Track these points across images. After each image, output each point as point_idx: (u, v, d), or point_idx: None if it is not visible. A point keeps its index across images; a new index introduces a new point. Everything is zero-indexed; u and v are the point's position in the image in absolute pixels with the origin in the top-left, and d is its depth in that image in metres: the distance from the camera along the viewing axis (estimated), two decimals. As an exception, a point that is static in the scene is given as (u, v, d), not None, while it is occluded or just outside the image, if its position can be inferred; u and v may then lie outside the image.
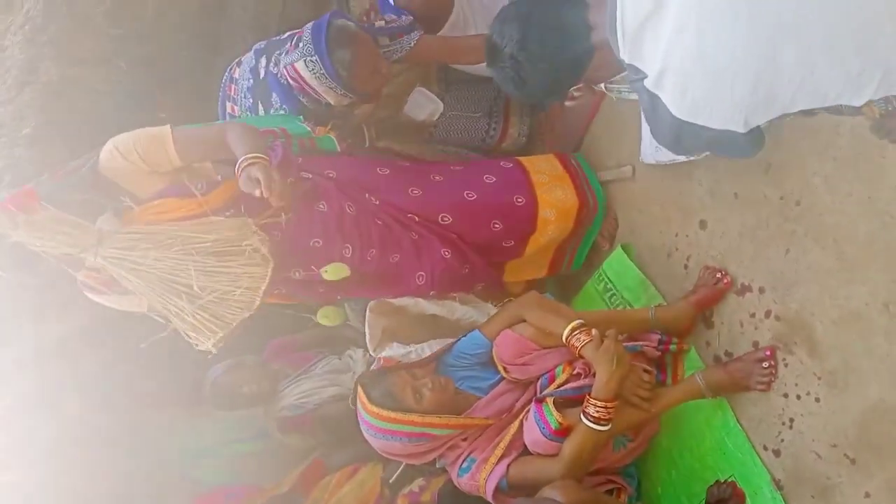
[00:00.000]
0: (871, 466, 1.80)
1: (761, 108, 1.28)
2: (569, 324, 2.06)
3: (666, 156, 2.21)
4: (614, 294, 2.49)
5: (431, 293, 2.46)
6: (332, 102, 2.36)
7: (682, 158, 2.15)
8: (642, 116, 2.01)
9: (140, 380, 2.94)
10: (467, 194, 2.41)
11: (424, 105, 2.66)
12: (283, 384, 2.88)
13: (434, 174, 2.47)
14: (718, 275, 2.14)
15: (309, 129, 2.38)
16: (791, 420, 1.97)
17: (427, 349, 2.40)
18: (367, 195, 2.35)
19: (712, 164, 2.14)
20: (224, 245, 1.92)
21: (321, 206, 2.25)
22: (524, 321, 2.21)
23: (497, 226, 2.43)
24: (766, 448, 2.04)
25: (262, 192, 1.88)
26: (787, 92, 1.25)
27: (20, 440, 2.51)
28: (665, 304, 2.34)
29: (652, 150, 2.28)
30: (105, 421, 2.71)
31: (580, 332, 2.03)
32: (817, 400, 1.91)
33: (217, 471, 2.92)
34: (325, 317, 2.58)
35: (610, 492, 2.24)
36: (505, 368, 2.23)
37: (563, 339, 2.06)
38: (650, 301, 2.36)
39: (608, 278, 2.52)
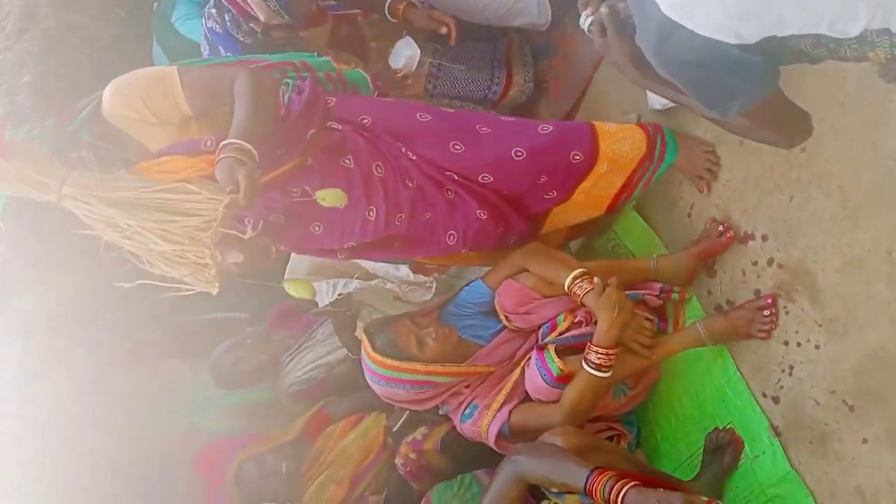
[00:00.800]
0: (870, 413, 1.81)
1: (752, 18, 1.21)
2: (571, 272, 2.06)
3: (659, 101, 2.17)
4: (617, 243, 2.50)
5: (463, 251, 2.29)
6: (263, 18, 2.29)
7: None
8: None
9: (145, 332, 2.96)
10: (516, 152, 2.11)
11: (402, 53, 2.54)
12: (287, 356, 2.89)
13: (481, 125, 2.15)
14: (721, 227, 2.13)
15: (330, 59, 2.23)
16: (791, 367, 1.98)
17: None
18: (402, 148, 2.11)
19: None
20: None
21: (347, 160, 2.05)
22: (526, 271, 2.21)
23: (543, 180, 2.17)
24: (765, 395, 2.06)
25: (233, 193, 1.68)
26: (777, 5, 1.19)
27: (29, 395, 2.53)
28: (667, 253, 2.34)
29: (658, 95, 2.23)
30: (111, 374, 2.73)
31: (582, 281, 2.04)
32: (817, 347, 1.92)
33: (223, 421, 2.96)
34: (294, 288, 2.60)
35: (610, 438, 2.27)
36: (507, 317, 2.25)
37: (566, 287, 2.07)
38: (653, 251, 2.36)
39: (616, 235, 2.51)
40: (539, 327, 2.24)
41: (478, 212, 2.15)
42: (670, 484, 1.89)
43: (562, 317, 2.21)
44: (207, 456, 2.74)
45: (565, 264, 2.14)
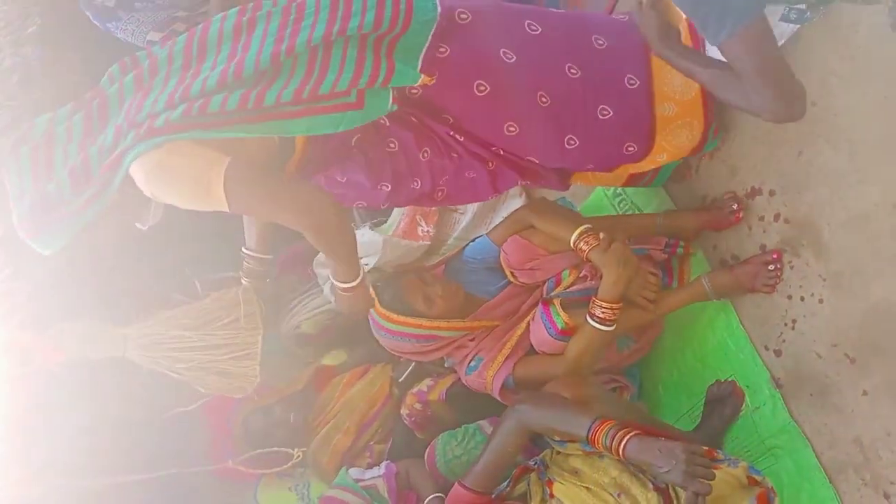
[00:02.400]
0: (870, 365, 1.84)
1: None
2: (577, 228, 2.07)
3: None
4: (623, 199, 2.50)
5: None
6: None
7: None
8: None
9: (152, 287, 2.97)
10: (569, 140, 1.95)
11: None
12: (294, 299, 2.91)
13: (538, 101, 1.90)
14: (735, 206, 2.13)
15: None
16: (794, 321, 2.00)
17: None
18: (449, 131, 1.93)
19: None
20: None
21: (392, 144, 1.94)
22: (532, 227, 2.22)
23: (590, 166, 2.09)
24: (767, 348, 2.08)
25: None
26: None
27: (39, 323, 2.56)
28: (674, 209, 2.34)
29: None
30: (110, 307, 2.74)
31: (588, 236, 2.04)
32: (821, 301, 1.93)
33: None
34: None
35: (613, 391, 2.30)
36: (512, 273, 2.26)
37: (571, 243, 2.07)
38: (660, 205, 2.36)
39: (623, 189, 2.51)
40: (544, 282, 2.26)
41: (519, 181, 2.12)
42: (671, 434, 1.93)
43: (567, 272, 2.22)
44: (214, 406, 2.77)
45: (571, 220, 2.14)
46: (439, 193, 2.08)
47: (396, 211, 2.89)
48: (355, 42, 1.66)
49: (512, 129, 1.91)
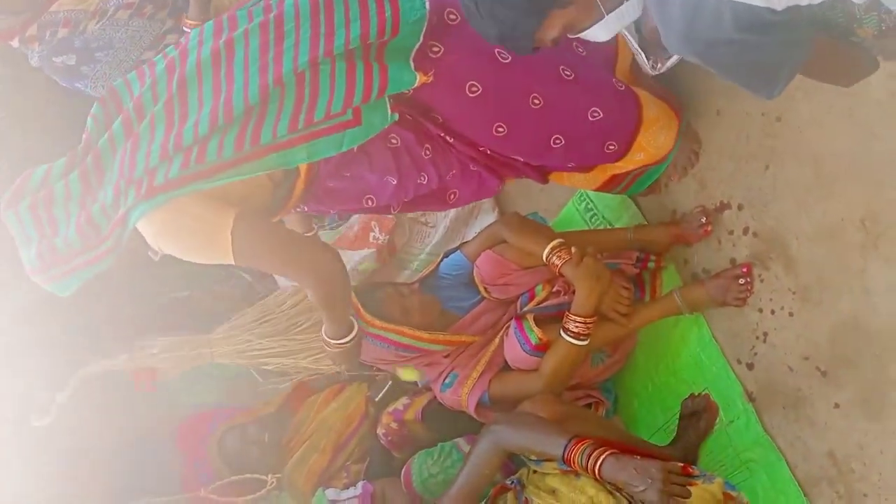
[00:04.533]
0: (842, 379, 1.85)
1: None
2: (549, 243, 2.07)
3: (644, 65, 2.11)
4: (595, 214, 2.50)
5: None
6: None
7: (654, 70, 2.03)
8: (628, 33, 1.98)
9: (126, 308, 2.93)
10: (555, 140, 1.92)
11: None
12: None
13: (531, 101, 1.86)
14: (703, 220, 2.14)
15: None
16: (765, 334, 2.02)
17: None
18: (441, 134, 1.90)
19: (697, 80, 2.11)
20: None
21: (394, 140, 1.89)
22: (504, 242, 2.22)
23: (571, 165, 2.08)
24: (739, 362, 2.09)
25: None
26: None
27: (7, 373, 2.52)
28: (645, 223, 2.35)
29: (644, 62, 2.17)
30: (90, 352, 2.71)
31: (560, 251, 2.05)
32: (791, 314, 1.95)
33: (204, 394, 2.95)
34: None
35: (588, 406, 2.30)
36: (486, 288, 2.25)
37: (544, 258, 2.08)
38: (631, 220, 2.37)
39: (589, 198, 2.52)
40: (518, 298, 2.25)
41: (498, 181, 2.09)
42: (647, 450, 1.92)
43: (540, 287, 2.22)
44: (188, 428, 2.74)
45: (543, 235, 2.14)
46: (451, 196, 2.04)
47: (354, 217, 2.88)
48: (342, 57, 1.61)
49: (500, 129, 1.87)
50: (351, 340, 1.94)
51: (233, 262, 1.61)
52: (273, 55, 1.59)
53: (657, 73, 2.01)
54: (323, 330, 1.95)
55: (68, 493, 2.41)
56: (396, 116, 1.69)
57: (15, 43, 2.19)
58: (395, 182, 1.91)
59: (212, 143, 1.54)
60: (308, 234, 2.20)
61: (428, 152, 1.90)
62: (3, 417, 2.44)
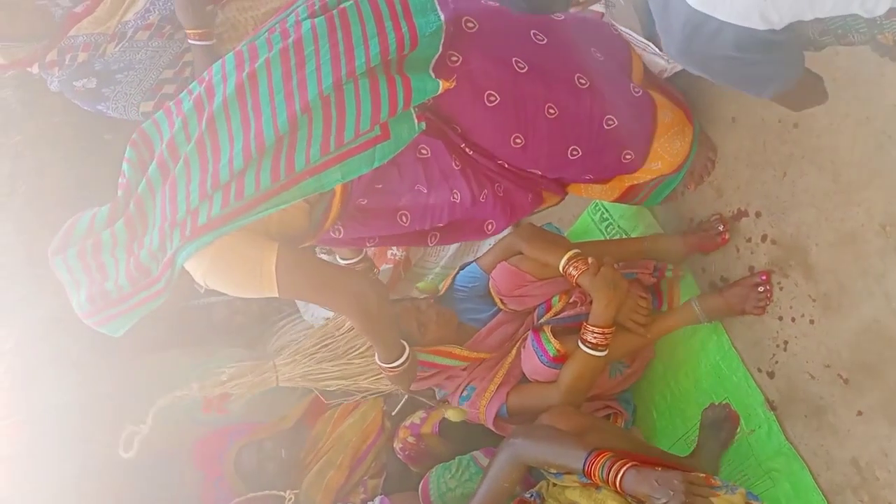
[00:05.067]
0: (864, 385, 1.83)
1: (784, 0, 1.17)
2: (565, 253, 2.06)
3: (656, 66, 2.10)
4: (610, 224, 2.49)
5: None
6: None
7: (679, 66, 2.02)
8: (635, 41, 1.99)
9: (142, 324, 2.94)
10: (572, 151, 1.91)
11: None
12: (281, 318, 2.89)
13: (550, 105, 1.84)
14: (721, 228, 2.13)
15: None
16: (785, 342, 2.00)
17: None
18: (462, 145, 1.87)
19: (712, 88, 2.11)
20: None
21: (424, 150, 1.88)
22: (520, 253, 2.21)
23: (588, 177, 2.06)
24: (760, 370, 2.07)
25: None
26: None
27: (24, 394, 2.53)
28: (661, 232, 2.34)
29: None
30: (106, 368, 2.72)
31: (577, 261, 2.04)
32: (811, 322, 1.93)
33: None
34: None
35: (607, 417, 2.28)
36: (502, 300, 2.25)
37: (560, 268, 2.07)
38: (647, 229, 2.36)
39: (604, 208, 2.51)
40: (534, 309, 2.24)
41: (528, 195, 2.05)
42: (667, 462, 1.90)
43: (556, 298, 2.22)
44: (204, 446, 2.74)
45: (559, 245, 2.13)
46: (489, 226, 2.01)
47: None
48: (364, 75, 1.62)
49: (518, 141, 1.85)
50: (404, 363, 1.97)
51: (277, 296, 1.65)
52: (297, 82, 1.60)
53: (668, 74, 2.01)
54: (376, 356, 1.99)
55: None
56: (424, 125, 1.69)
57: (34, 69, 2.21)
58: (425, 191, 1.89)
59: (248, 177, 1.56)
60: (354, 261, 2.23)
61: (457, 163, 1.89)
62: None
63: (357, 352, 2.50)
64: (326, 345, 2.54)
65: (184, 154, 1.61)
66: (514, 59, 1.78)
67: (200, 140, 1.60)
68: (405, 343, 1.98)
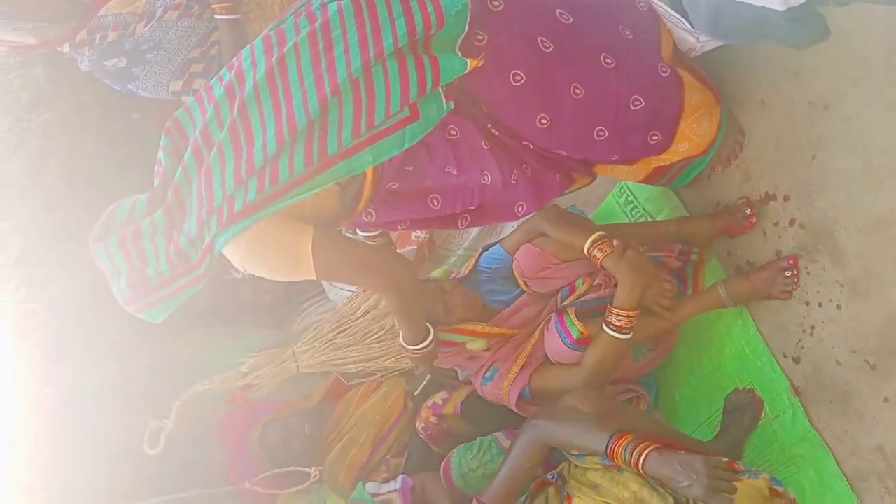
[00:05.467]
0: (891, 371, 1.81)
1: None
2: (590, 235, 2.05)
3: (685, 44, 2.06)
4: (635, 206, 2.48)
5: None
6: None
7: (709, 45, 2.00)
8: (667, 16, 1.95)
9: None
10: (598, 132, 1.90)
11: None
12: (305, 304, 2.92)
13: (576, 85, 1.83)
14: (748, 211, 2.11)
15: None
16: (812, 327, 1.98)
17: None
18: (489, 126, 1.85)
19: (741, 70, 2.08)
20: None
21: (453, 131, 1.84)
22: (544, 235, 2.20)
23: (615, 158, 2.03)
24: (785, 356, 2.06)
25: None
26: None
27: (54, 368, 2.58)
28: (687, 215, 2.32)
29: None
30: (135, 346, 2.76)
31: (602, 243, 2.02)
32: (839, 307, 1.91)
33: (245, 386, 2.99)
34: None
35: (629, 401, 2.28)
36: (525, 282, 2.24)
37: (585, 251, 2.06)
38: (672, 212, 2.34)
39: (629, 190, 2.49)
40: (558, 291, 2.24)
41: (556, 176, 2.03)
42: (690, 446, 1.90)
43: (580, 280, 2.21)
44: (230, 423, 2.78)
45: (584, 228, 2.12)
46: (519, 208, 1.99)
47: None
48: (393, 56, 1.62)
49: (544, 121, 1.84)
50: (429, 345, 2.02)
51: (314, 278, 1.67)
52: (326, 65, 1.60)
53: (697, 52, 1.98)
54: (401, 336, 2.03)
55: (116, 485, 2.46)
56: (452, 104, 1.69)
57: (65, 48, 2.24)
58: (455, 173, 1.88)
59: (282, 162, 1.58)
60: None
61: (486, 144, 1.87)
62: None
63: (374, 336, 2.53)
64: (344, 330, 2.56)
65: (217, 141, 1.63)
66: (539, 38, 1.77)
67: (233, 126, 1.61)
68: (430, 326, 2.01)
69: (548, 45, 1.78)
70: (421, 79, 1.62)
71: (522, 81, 1.76)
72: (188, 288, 1.68)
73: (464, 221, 2.03)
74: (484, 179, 1.90)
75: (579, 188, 2.13)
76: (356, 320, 2.56)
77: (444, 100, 1.67)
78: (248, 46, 1.73)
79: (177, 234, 1.66)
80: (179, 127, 1.73)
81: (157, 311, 1.70)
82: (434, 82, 1.63)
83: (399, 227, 2.04)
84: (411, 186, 1.89)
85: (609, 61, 1.85)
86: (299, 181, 1.60)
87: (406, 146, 1.65)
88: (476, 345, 2.23)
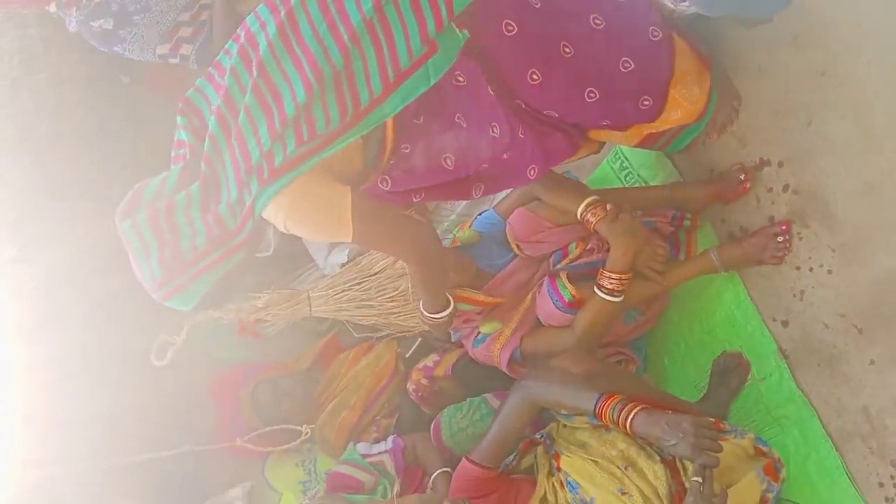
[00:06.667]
0: (878, 335, 1.84)
1: None
2: (584, 200, 2.06)
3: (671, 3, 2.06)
4: (630, 172, 2.48)
5: None
6: None
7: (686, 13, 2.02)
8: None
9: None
10: (589, 93, 1.89)
11: None
12: (297, 271, 2.92)
13: (565, 44, 1.84)
14: (742, 177, 2.11)
15: None
16: (802, 292, 2.00)
17: None
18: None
19: (739, 37, 2.08)
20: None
21: (460, 78, 1.84)
22: (538, 199, 2.21)
23: (605, 123, 2.02)
24: (774, 319, 2.08)
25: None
26: None
27: (45, 329, 2.58)
28: (681, 181, 2.33)
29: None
30: (126, 306, 2.76)
31: (595, 207, 2.04)
32: (829, 272, 1.93)
33: (238, 349, 2.99)
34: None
35: (619, 363, 2.31)
36: (518, 246, 2.25)
37: (578, 215, 2.07)
38: (667, 178, 2.35)
39: (624, 156, 2.50)
40: (551, 255, 2.25)
41: (563, 138, 2.03)
42: (678, 406, 1.93)
43: (573, 245, 2.22)
44: (221, 383, 2.79)
45: (578, 192, 2.13)
46: (531, 171, 1.97)
47: None
48: None
49: (535, 77, 1.84)
50: (447, 316, 2.07)
51: (350, 239, 1.66)
52: (336, 11, 1.58)
53: (680, 14, 1.98)
54: (421, 304, 2.06)
55: (110, 444, 2.47)
56: (468, 34, 1.67)
57: (52, 7, 2.21)
58: (465, 125, 1.85)
59: (316, 111, 1.54)
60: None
61: (492, 90, 1.86)
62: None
63: (387, 295, 2.54)
64: (360, 283, 2.58)
65: (243, 105, 1.58)
66: None
67: (256, 87, 1.58)
68: (450, 296, 2.04)
69: (536, 2, 1.78)
70: (435, 10, 1.60)
71: (514, 32, 1.76)
72: (226, 259, 1.61)
73: (478, 190, 2.01)
74: (493, 132, 1.88)
75: (585, 156, 2.14)
76: (372, 275, 2.56)
77: (457, 30, 1.65)
78: (251, 13, 1.69)
79: (214, 204, 1.60)
80: (192, 106, 1.68)
81: (188, 294, 1.62)
82: (448, 10, 1.61)
83: (414, 199, 2.02)
84: (424, 148, 1.87)
85: (598, 22, 1.85)
86: (336, 134, 1.57)
87: (432, 81, 1.63)
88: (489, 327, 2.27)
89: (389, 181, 1.91)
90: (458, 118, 1.85)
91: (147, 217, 1.59)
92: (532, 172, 1.97)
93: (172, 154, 1.69)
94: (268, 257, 3.07)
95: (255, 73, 1.58)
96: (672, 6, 1.99)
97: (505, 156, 1.92)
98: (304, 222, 1.63)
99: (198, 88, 1.70)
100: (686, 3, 1.94)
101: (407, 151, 1.86)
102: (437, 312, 2.06)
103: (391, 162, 1.81)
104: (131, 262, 1.63)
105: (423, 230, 1.85)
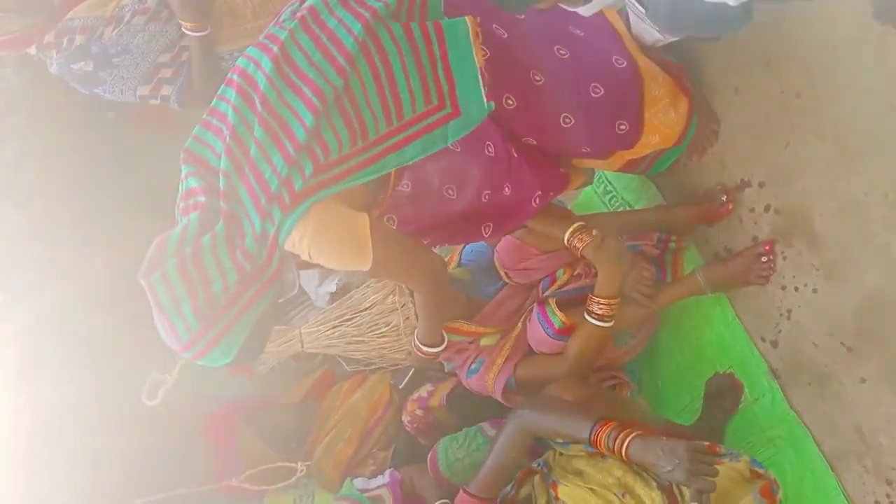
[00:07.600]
0: (867, 353, 1.85)
1: None
2: (570, 226, 2.07)
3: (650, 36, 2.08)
4: (614, 196, 2.50)
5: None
6: None
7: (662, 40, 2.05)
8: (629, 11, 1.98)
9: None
10: (564, 119, 1.92)
11: None
12: (291, 313, 2.91)
13: (534, 72, 1.88)
14: (724, 198, 2.13)
15: None
16: (789, 311, 2.01)
17: None
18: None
19: (712, 58, 2.11)
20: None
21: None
22: (524, 226, 2.22)
23: (585, 150, 2.03)
24: (763, 339, 2.09)
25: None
26: None
27: (34, 371, 2.56)
28: (665, 204, 2.35)
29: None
30: (114, 343, 2.75)
31: (581, 233, 2.04)
32: (815, 291, 1.94)
33: (229, 385, 2.98)
34: None
35: (613, 387, 2.31)
36: (507, 274, 2.26)
37: (565, 241, 2.07)
38: (650, 201, 2.37)
39: (608, 180, 2.51)
40: (539, 282, 2.26)
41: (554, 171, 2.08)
42: (673, 431, 1.93)
43: (561, 271, 2.23)
44: (215, 421, 2.78)
45: (563, 218, 2.14)
46: (536, 200, 2.00)
47: None
48: (390, 18, 1.63)
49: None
50: (440, 352, 2.11)
51: (367, 266, 1.63)
52: (327, 38, 1.60)
53: (663, 43, 2.00)
54: (416, 334, 2.08)
55: (104, 489, 2.45)
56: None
57: (32, 50, 2.21)
58: (459, 150, 1.86)
59: (327, 134, 1.55)
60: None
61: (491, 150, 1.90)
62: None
63: (379, 331, 2.55)
64: (350, 319, 2.58)
65: (253, 139, 1.57)
66: (493, 25, 1.81)
67: (263, 121, 1.57)
68: (446, 336, 2.08)
69: (502, 33, 1.82)
70: (426, 39, 1.63)
71: (487, 56, 1.76)
72: (260, 298, 1.56)
73: (487, 230, 2.02)
74: (488, 151, 1.89)
75: (580, 186, 2.17)
76: (363, 311, 2.57)
77: (484, 99, 1.65)
78: (242, 56, 1.69)
79: (239, 239, 1.56)
80: (194, 155, 1.65)
81: (226, 344, 1.55)
82: (439, 40, 1.64)
83: (424, 241, 2.01)
84: (424, 183, 1.90)
85: (563, 52, 1.90)
86: (354, 169, 1.57)
87: (449, 142, 1.64)
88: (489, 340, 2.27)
89: (395, 220, 1.93)
90: (453, 145, 1.81)
91: (175, 266, 1.51)
92: (536, 201, 2.00)
93: (182, 205, 1.63)
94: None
95: (259, 108, 1.58)
96: (658, 33, 2.01)
97: (507, 190, 1.95)
98: (329, 247, 1.60)
99: (196, 137, 1.68)
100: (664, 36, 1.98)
101: (407, 189, 1.89)
102: (433, 346, 2.08)
103: (392, 198, 1.81)
104: (158, 322, 1.55)
105: (437, 261, 1.87)
